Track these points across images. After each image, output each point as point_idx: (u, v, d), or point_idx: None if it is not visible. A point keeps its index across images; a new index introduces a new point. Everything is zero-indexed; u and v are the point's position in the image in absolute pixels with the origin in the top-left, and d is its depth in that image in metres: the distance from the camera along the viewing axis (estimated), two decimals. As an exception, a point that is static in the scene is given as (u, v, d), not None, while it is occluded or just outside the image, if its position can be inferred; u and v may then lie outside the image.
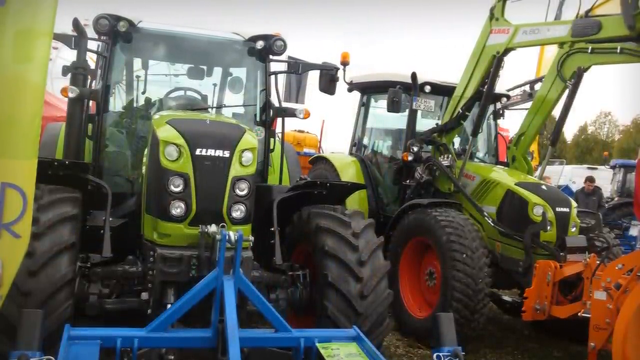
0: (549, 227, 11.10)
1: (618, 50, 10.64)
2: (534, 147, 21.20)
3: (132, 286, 7.47)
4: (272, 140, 9.93)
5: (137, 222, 7.91)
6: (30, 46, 5.11)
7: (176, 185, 7.09)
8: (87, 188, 7.76)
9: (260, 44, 9.62)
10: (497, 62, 11.95)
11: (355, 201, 13.44)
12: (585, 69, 11.69)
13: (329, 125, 25.24)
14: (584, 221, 12.26)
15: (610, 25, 10.17)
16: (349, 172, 14.41)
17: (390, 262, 8.81)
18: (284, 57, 10.07)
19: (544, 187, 12.03)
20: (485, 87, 12.17)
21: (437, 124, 13.34)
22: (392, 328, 10.38)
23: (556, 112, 12.72)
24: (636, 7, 9.54)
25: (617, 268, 8.70)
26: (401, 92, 12.82)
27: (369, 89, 15.10)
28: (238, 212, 7.31)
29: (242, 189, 7.32)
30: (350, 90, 15.17)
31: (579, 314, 9.77)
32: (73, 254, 6.82)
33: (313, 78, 10.45)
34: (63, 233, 6.77)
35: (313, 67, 10.46)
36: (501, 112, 14.92)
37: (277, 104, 9.86)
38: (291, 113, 9.71)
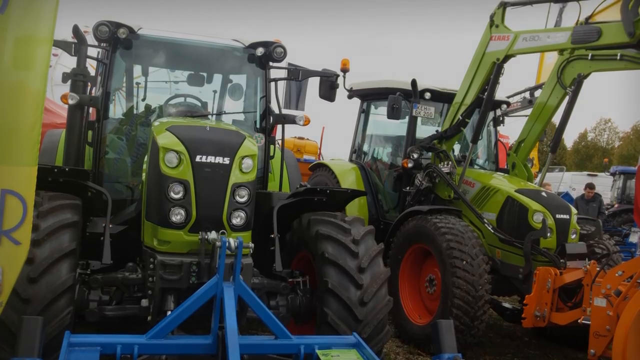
0: (549, 234, 11.10)
1: (618, 57, 10.65)
2: (534, 154, 21.23)
3: (132, 293, 7.47)
4: (272, 147, 9.93)
5: (137, 228, 7.90)
6: (30, 53, 5.11)
7: (176, 192, 7.09)
8: (87, 195, 7.77)
9: (260, 51, 9.63)
10: (497, 69, 11.96)
11: (355, 208, 13.45)
12: (585, 76, 11.70)
13: (329, 132, 25.28)
14: (584, 228, 12.26)
15: (610, 32, 10.18)
16: (349, 178, 14.42)
17: (390, 268, 8.83)
18: (283, 63, 10.08)
19: (544, 194, 12.03)
20: (485, 93, 12.18)
21: (437, 131, 13.34)
22: (392, 335, 10.39)
23: (556, 119, 12.76)
24: (636, 14, 9.55)
25: (617, 275, 8.70)
26: (401, 99, 12.83)
27: (369, 96, 15.11)
28: (238, 218, 7.30)
29: (242, 196, 7.31)
30: (350, 97, 15.19)
31: (579, 320, 9.77)
32: (73, 261, 6.81)
33: (313, 85, 10.46)
34: (63, 240, 6.78)
35: (313, 73, 10.45)
36: (501, 119, 14.92)
37: (277, 111, 9.87)
38: (291, 120, 9.72)
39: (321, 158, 22.55)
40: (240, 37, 10.03)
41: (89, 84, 9.26)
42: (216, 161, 7.17)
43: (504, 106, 14.73)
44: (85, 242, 7.40)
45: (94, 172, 8.86)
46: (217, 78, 10.99)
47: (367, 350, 6.34)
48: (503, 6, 12.13)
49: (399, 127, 14.16)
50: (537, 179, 14.25)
